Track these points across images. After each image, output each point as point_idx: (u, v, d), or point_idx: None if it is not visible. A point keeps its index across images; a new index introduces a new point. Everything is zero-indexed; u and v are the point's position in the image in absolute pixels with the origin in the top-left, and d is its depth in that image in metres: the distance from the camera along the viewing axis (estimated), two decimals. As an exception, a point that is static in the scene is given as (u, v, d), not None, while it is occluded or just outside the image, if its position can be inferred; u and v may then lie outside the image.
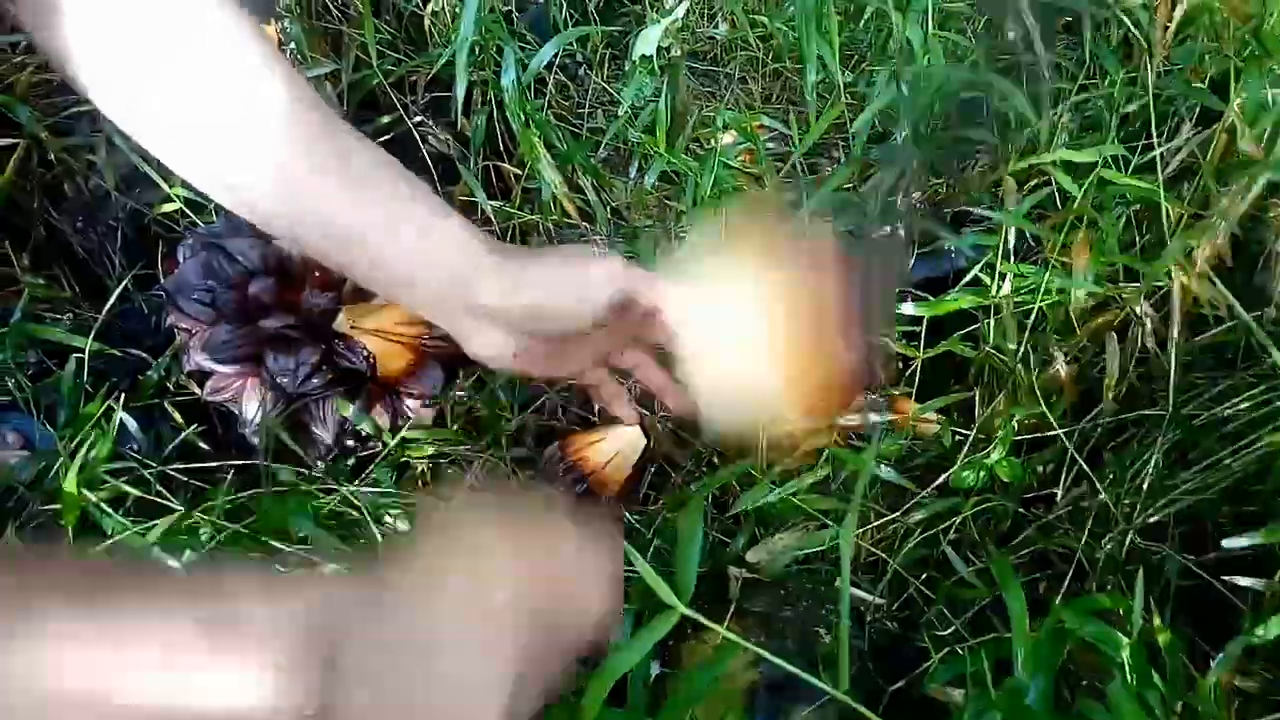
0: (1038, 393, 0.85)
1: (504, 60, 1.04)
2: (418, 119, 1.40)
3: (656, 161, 1.05)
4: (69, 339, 1.01)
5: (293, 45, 1.22)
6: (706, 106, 1.70)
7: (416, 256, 0.56)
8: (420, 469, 1.07)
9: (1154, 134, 0.81)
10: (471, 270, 0.55)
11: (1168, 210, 0.76)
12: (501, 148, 1.40)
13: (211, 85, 0.52)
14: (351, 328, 1.04)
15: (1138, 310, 0.75)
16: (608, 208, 1.27)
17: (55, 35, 0.50)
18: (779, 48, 1.63)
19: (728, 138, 1.20)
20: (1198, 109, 0.85)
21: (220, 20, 0.52)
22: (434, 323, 0.59)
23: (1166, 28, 0.79)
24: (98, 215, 1.25)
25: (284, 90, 0.53)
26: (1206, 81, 0.83)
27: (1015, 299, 0.80)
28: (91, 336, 1.00)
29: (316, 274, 0.99)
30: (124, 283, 1.02)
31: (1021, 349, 0.83)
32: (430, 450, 1.03)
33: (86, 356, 0.98)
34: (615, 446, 1.03)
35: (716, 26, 1.70)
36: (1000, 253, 0.80)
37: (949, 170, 1.09)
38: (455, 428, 1.08)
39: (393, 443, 0.97)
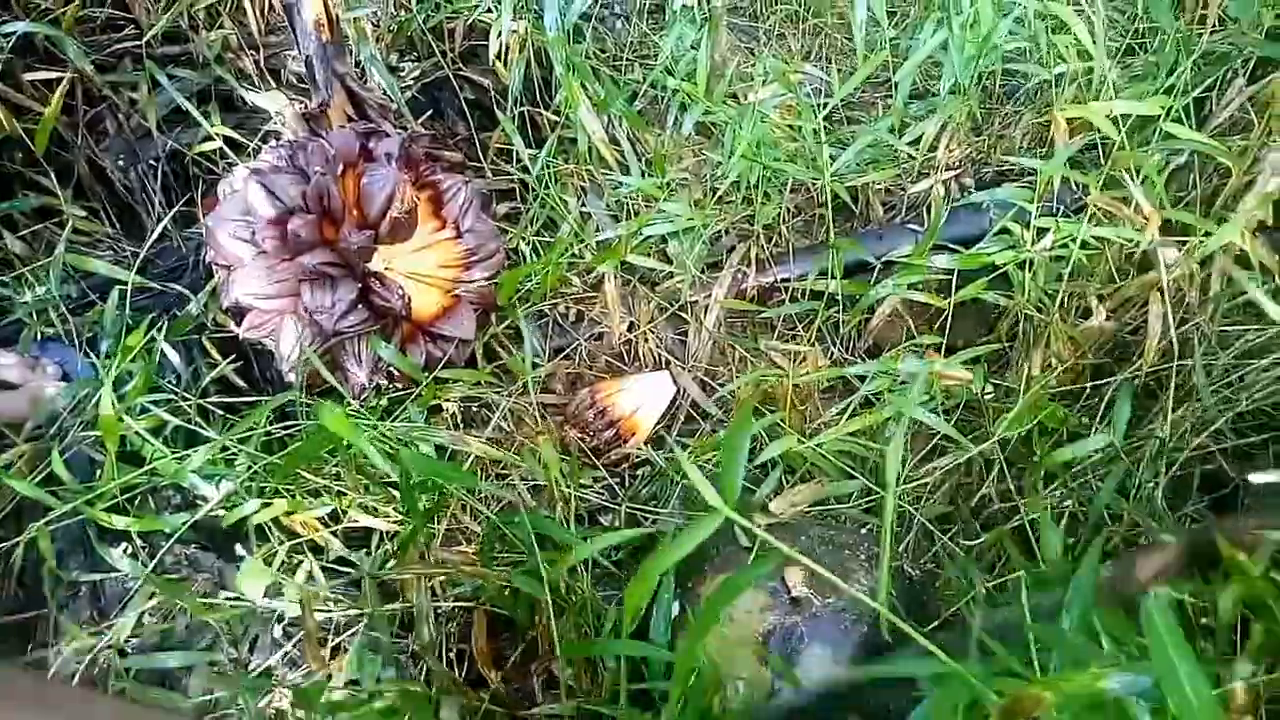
0: (1076, 341, 0.85)
1: (545, 2, 1.03)
2: (456, 66, 1.40)
3: (694, 109, 1.04)
4: (111, 272, 1.03)
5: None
6: (745, 61, 1.68)
7: None
8: (451, 410, 1.09)
9: (1189, 87, 0.80)
10: None
11: (1220, 165, 0.75)
12: (537, 97, 1.40)
13: None
14: (387, 268, 1.05)
15: (1186, 268, 0.74)
16: (642, 159, 1.26)
17: None
18: (820, 2, 1.61)
19: (766, 92, 1.19)
20: (1252, 63, 0.83)
21: None
22: None
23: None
24: (139, 153, 1.26)
25: None
26: (1264, 34, 0.81)
27: (1052, 252, 0.79)
28: (134, 270, 1.01)
29: (354, 212, 0.99)
30: (165, 221, 1.04)
31: (1060, 299, 0.82)
32: (461, 392, 1.04)
33: (129, 289, 1.00)
34: (644, 393, 1.03)
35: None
36: (1037, 204, 0.78)
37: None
38: (487, 370, 1.09)
39: (425, 382, 0.98)
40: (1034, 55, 0.91)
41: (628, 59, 1.56)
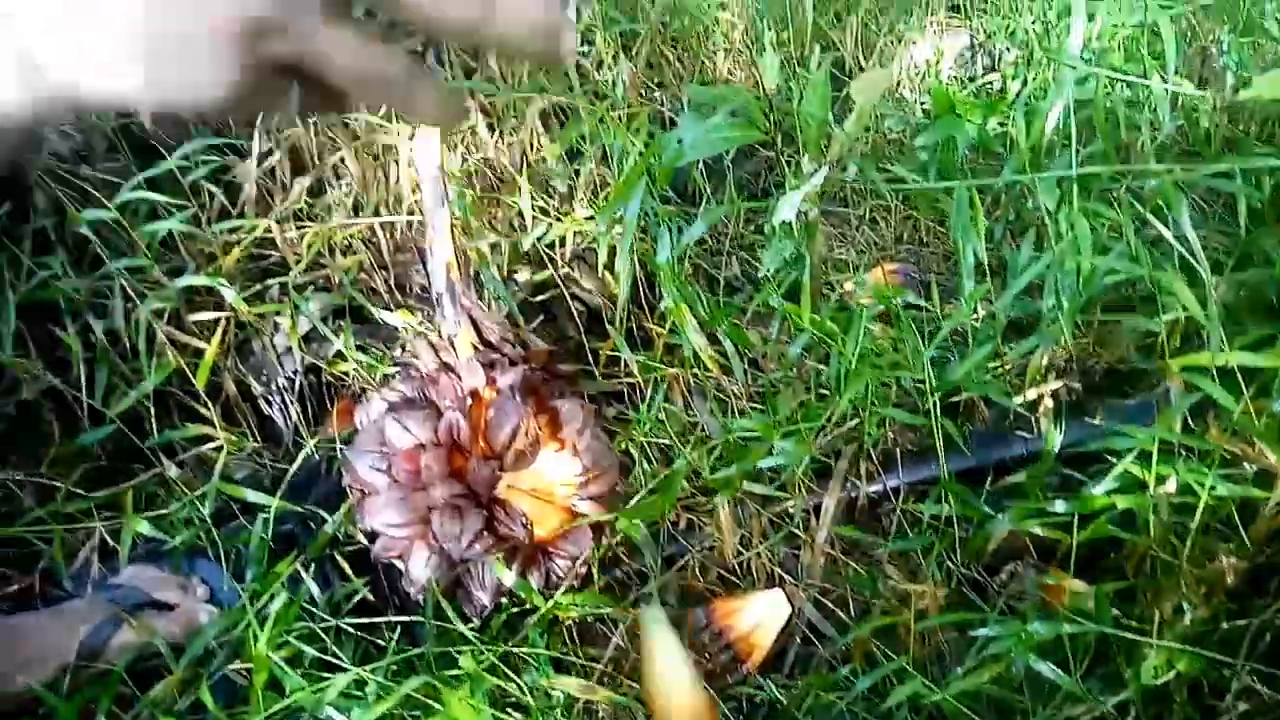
0: (1207, 581, 0.83)
1: (659, 239, 1.11)
2: (564, 271, 1.49)
3: (801, 336, 1.09)
4: (257, 498, 1.11)
5: (459, 213, 1.32)
6: (838, 248, 1.74)
7: None
8: (569, 624, 1.11)
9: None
10: None
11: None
12: (643, 298, 1.47)
13: None
14: (508, 487, 1.10)
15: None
16: (746, 359, 1.31)
17: None
18: (911, 193, 1.66)
19: (866, 299, 1.23)
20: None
21: None
22: None
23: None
24: (279, 368, 1.37)
25: None
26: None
27: (1175, 498, 0.79)
28: (278, 496, 1.09)
29: (481, 442, 1.06)
30: (307, 448, 1.12)
31: (1189, 539, 0.81)
32: (579, 612, 1.07)
33: (272, 517, 1.07)
34: (759, 613, 1.04)
35: (845, 170, 1.75)
36: (1156, 449, 0.79)
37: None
38: (599, 586, 1.11)
39: (545, 608, 1.02)
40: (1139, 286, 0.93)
41: (728, 250, 1.64)
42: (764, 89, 1.35)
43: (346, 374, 1.36)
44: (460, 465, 1.05)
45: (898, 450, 1.17)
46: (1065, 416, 1.07)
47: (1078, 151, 1.01)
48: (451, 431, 1.03)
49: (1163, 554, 0.83)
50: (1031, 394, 1.11)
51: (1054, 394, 1.10)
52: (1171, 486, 0.79)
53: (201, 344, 1.19)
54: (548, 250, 1.47)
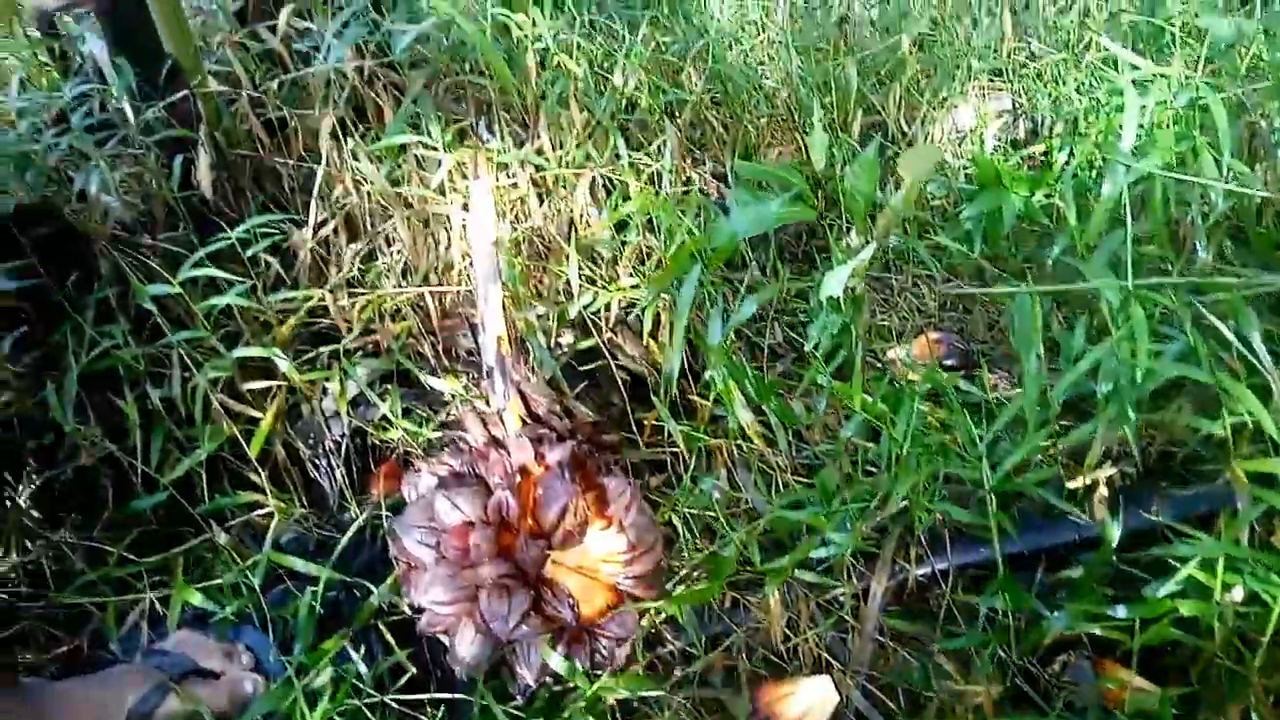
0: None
1: (709, 319, 1.11)
2: (608, 336, 1.50)
3: (853, 420, 1.08)
4: (307, 569, 1.11)
5: (508, 283, 1.34)
6: (881, 314, 1.73)
7: None
8: (611, 703, 1.10)
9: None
10: None
11: None
12: (686, 366, 1.47)
13: None
14: (554, 562, 1.10)
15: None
16: (790, 431, 1.31)
17: None
18: (953, 254, 1.66)
19: (914, 375, 1.22)
20: None
21: None
22: None
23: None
24: (326, 431, 1.38)
25: None
26: None
27: (1242, 607, 0.77)
28: (329, 566, 1.09)
29: (529, 520, 1.06)
30: (357, 523, 1.12)
31: (1260, 650, 0.79)
32: (623, 695, 1.06)
33: (321, 589, 1.08)
34: (808, 700, 1.03)
35: (888, 236, 1.75)
36: (1222, 559, 0.77)
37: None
38: (643, 666, 1.10)
39: (591, 690, 1.01)
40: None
41: (773, 315, 1.64)
42: (811, 164, 1.36)
43: (392, 439, 1.37)
44: (508, 543, 1.05)
45: (946, 532, 1.16)
46: (1121, 505, 1.06)
47: (1130, 226, 1.01)
48: (501, 509, 1.04)
49: (1228, 661, 0.81)
50: (1087, 479, 1.09)
51: (1109, 480, 1.08)
52: (1238, 595, 0.78)
53: (255, 412, 1.20)
54: (592, 316, 1.48)
